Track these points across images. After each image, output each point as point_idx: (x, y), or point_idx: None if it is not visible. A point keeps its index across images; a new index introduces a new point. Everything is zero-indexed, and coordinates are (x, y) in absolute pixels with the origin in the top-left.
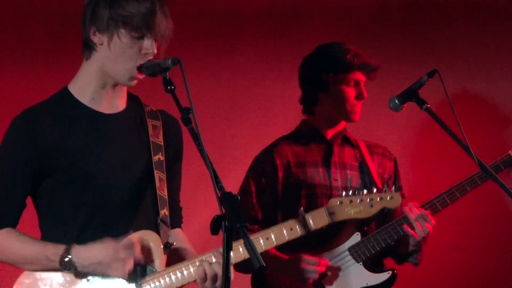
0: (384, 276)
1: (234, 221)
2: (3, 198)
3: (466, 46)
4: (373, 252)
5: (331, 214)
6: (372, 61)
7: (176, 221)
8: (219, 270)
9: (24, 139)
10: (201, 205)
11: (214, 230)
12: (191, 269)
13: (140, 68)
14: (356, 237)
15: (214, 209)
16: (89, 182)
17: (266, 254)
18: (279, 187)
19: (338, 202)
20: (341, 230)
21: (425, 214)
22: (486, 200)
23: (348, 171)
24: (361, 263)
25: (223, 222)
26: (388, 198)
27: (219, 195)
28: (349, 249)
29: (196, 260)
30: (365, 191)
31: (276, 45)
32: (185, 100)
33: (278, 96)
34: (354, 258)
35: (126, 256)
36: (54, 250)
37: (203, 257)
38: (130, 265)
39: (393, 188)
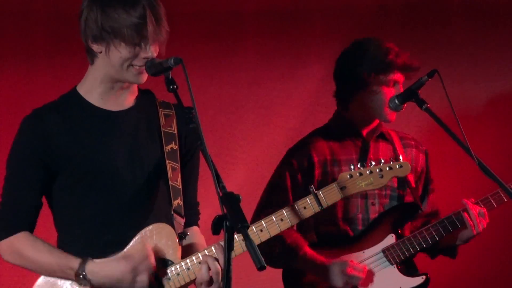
0: (418, 280)
1: (235, 221)
2: (17, 198)
3: (466, 46)
4: (407, 255)
5: (342, 188)
6: (413, 61)
7: (192, 218)
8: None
9: (33, 138)
10: (202, 204)
11: (216, 230)
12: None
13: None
14: (390, 239)
15: (215, 208)
16: (100, 179)
17: (304, 254)
18: (314, 185)
19: (348, 176)
20: (374, 231)
21: (483, 211)
22: None
23: None
24: (395, 265)
25: (224, 222)
26: (397, 167)
27: (221, 195)
28: (383, 251)
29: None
30: (373, 163)
31: (276, 45)
32: (187, 100)
33: (278, 96)
34: (389, 260)
35: (143, 270)
36: (68, 265)
37: (205, 252)
38: (149, 279)
39: (400, 156)
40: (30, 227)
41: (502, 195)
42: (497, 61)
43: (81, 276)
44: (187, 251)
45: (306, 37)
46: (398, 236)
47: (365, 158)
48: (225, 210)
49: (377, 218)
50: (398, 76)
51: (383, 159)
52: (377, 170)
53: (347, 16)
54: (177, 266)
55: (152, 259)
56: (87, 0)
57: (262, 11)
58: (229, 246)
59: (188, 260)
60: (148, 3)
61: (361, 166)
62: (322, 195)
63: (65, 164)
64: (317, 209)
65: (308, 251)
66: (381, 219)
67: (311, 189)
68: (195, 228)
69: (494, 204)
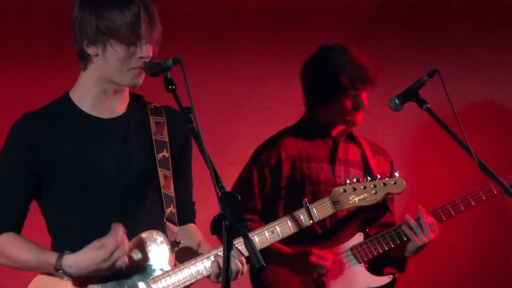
0: (385, 279)
1: (234, 220)
2: (4, 202)
3: (466, 46)
4: (375, 254)
5: (335, 203)
6: (374, 75)
7: (188, 216)
8: (233, 264)
9: (22, 144)
10: (201, 205)
11: (214, 230)
12: (199, 266)
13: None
14: (358, 238)
15: (214, 208)
16: (89, 187)
17: (269, 246)
18: (283, 181)
19: (342, 191)
20: (343, 230)
21: (432, 222)
22: (487, 200)
23: (351, 169)
24: (363, 264)
25: (223, 222)
26: (392, 183)
27: (220, 194)
28: (352, 249)
29: (204, 257)
30: (368, 178)
31: (276, 45)
32: (186, 100)
33: (278, 96)
34: (357, 258)
35: (118, 257)
36: (46, 260)
37: (217, 251)
38: (124, 264)
39: (396, 173)
40: (16, 230)
41: (450, 209)
42: (497, 61)
43: (60, 271)
44: (189, 250)
45: (306, 37)
46: (366, 235)
47: (334, 157)
48: (224, 210)
49: (345, 216)
50: (357, 90)
51: (350, 159)
52: (372, 186)
53: (347, 16)
54: (169, 273)
55: (125, 245)
56: (78, 6)
57: (262, 11)
58: (228, 246)
59: (178, 268)
60: (141, 2)
61: (356, 181)
62: (314, 209)
63: (54, 171)
64: (308, 222)
65: (274, 243)
66: (349, 217)
67: (304, 203)
68: (192, 225)
69: (443, 217)
